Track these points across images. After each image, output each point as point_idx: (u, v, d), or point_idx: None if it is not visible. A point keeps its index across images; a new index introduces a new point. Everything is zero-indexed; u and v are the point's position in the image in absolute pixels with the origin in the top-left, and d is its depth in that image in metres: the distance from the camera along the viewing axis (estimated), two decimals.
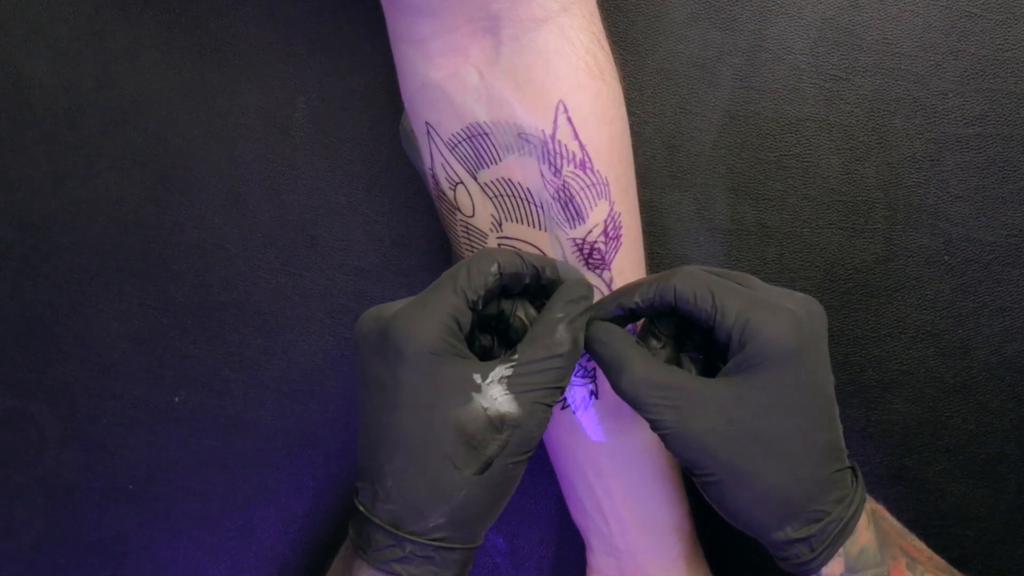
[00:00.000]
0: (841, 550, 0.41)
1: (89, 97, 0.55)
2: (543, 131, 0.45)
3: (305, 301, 0.56)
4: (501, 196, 0.46)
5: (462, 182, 0.47)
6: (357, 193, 0.55)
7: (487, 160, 0.46)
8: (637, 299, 0.43)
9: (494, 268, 0.43)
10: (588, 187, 0.46)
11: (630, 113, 0.49)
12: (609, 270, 0.47)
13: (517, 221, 0.46)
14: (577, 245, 0.46)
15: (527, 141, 0.45)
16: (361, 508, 0.42)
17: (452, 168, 0.47)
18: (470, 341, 0.45)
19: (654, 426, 0.41)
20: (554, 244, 0.46)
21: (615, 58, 0.48)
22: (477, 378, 0.41)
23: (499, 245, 0.47)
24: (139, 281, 0.56)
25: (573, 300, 0.43)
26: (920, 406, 0.55)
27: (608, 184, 0.46)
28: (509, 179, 0.46)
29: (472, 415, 0.41)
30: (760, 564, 0.56)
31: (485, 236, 0.47)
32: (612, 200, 0.46)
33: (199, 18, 0.55)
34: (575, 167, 0.45)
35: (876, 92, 0.53)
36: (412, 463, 0.41)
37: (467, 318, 0.42)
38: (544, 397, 0.41)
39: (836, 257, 0.54)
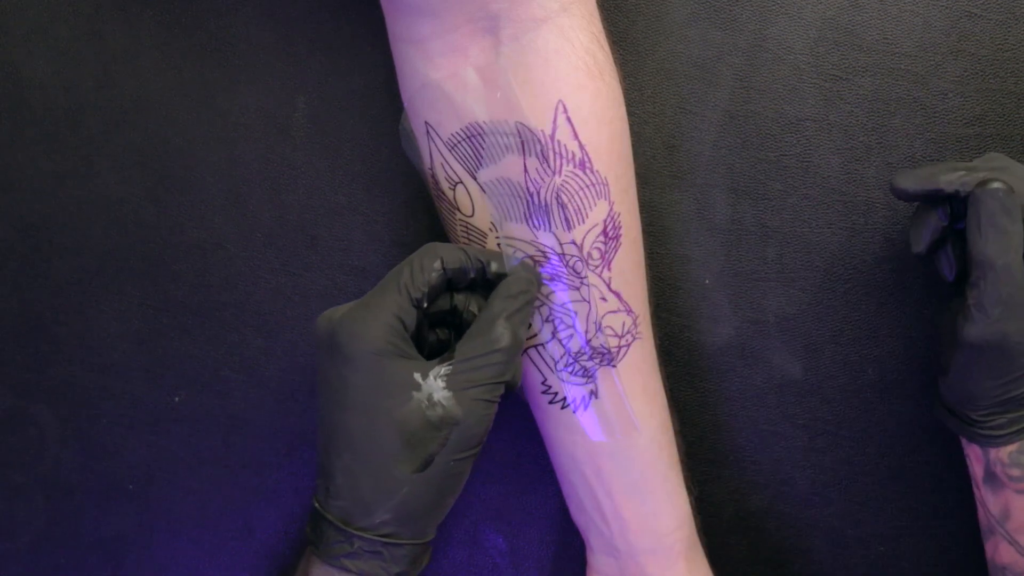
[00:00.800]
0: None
1: (89, 97, 0.55)
2: (543, 131, 0.45)
3: (305, 301, 0.56)
4: (501, 195, 0.46)
5: (462, 182, 0.47)
6: (357, 193, 0.55)
7: (487, 160, 0.46)
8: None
9: (437, 265, 0.44)
10: (588, 187, 0.46)
11: (630, 113, 0.49)
12: (609, 270, 0.47)
13: (517, 220, 0.46)
14: (577, 245, 0.46)
15: (527, 141, 0.45)
16: (316, 505, 0.44)
17: (452, 168, 0.47)
18: (423, 338, 0.46)
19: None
20: (554, 243, 0.46)
21: (615, 58, 0.48)
22: (418, 377, 0.42)
23: (498, 245, 0.47)
24: (139, 281, 0.56)
25: (512, 296, 0.44)
26: (920, 406, 0.55)
27: (608, 184, 0.46)
28: (509, 179, 0.46)
29: (412, 414, 0.42)
30: (761, 564, 0.56)
31: (485, 236, 0.47)
32: (612, 200, 0.46)
33: (199, 18, 0.55)
34: (575, 167, 0.45)
35: (876, 92, 0.53)
36: (358, 461, 0.42)
37: (412, 317, 0.43)
38: (485, 393, 0.43)
39: (836, 257, 0.54)
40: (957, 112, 0.53)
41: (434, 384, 0.42)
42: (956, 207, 0.48)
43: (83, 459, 0.57)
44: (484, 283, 0.46)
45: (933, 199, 0.47)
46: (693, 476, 0.54)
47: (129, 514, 0.57)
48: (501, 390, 0.44)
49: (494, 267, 0.46)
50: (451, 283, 0.45)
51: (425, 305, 0.44)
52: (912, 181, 0.46)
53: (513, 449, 0.56)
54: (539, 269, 0.47)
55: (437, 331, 0.47)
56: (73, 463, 0.57)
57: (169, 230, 0.55)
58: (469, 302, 0.46)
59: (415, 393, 0.42)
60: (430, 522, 0.45)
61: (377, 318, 0.42)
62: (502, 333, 0.43)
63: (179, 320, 0.56)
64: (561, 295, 0.47)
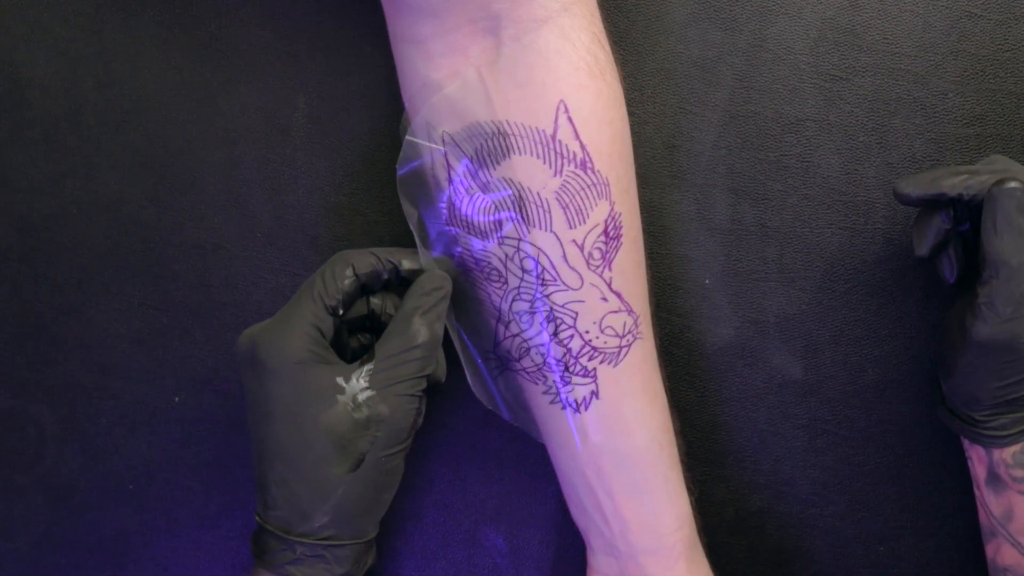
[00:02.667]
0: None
1: (89, 97, 0.55)
2: (544, 131, 0.45)
3: None
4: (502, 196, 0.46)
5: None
6: (357, 193, 0.55)
7: (487, 160, 0.46)
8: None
9: (348, 272, 0.45)
10: (588, 187, 0.46)
11: (630, 113, 0.49)
12: (610, 270, 0.47)
13: (517, 221, 0.46)
14: (578, 245, 0.46)
15: (528, 141, 0.45)
16: (257, 518, 0.45)
17: (452, 168, 0.47)
18: (344, 345, 0.47)
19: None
20: (554, 243, 0.46)
21: (615, 58, 0.48)
22: (340, 380, 0.44)
23: (499, 245, 0.47)
24: (139, 281, 0.56)
25: (426, 292, 0.46)
26: (920, 406, 0.55)
27: (609, 184, 0.46)
28: (510, 179, 0.46)
29: (339, 416, 0.43)
30: (761, 564, 0.56)
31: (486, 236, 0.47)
32: (612, 200, 0.46)
33: (199, 18, 0.55)
34: (576, 167, 0.45)
35: (876, 92, 0.53)
36: (291, 469, 0.44)
37: (328, 324, 0.45)
38: (407, 389, 0.44)
39: (836, 257, 0.54)
40: (957, 112, 0.53)
41: (357, 385, 0.44)
42: (960, 211, 0.48)
43: (83, 459, 0.57)
44: (400, 282, 0.48)
45: (936, 204, 0.47)
46: (693, 476, 0.54)
47: (129, 514, 0.57)
48: (423, 384, 0.46)
49: (405, 264, 0.47)
50: (366, 287, 0.47)
51: (341, 312, 0.45)
52: (915, 186, 0.47)
53: (513, 449, 0.56)
54: (458, 262, 0.48)
55: (359, 336, 0.49)
56: (73, 463, 0.57)
57: (169, 230, 0.55)
58: (386, 304, 0.48)
59: (339, 396, 0.44)
60: (369, 520, 0.46)
61: (294, 329, 0.44)
62: (418, 329, 0.45)
63: (179, 320, 0.56)
64: (562, 295, 0.47)
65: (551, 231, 0.46)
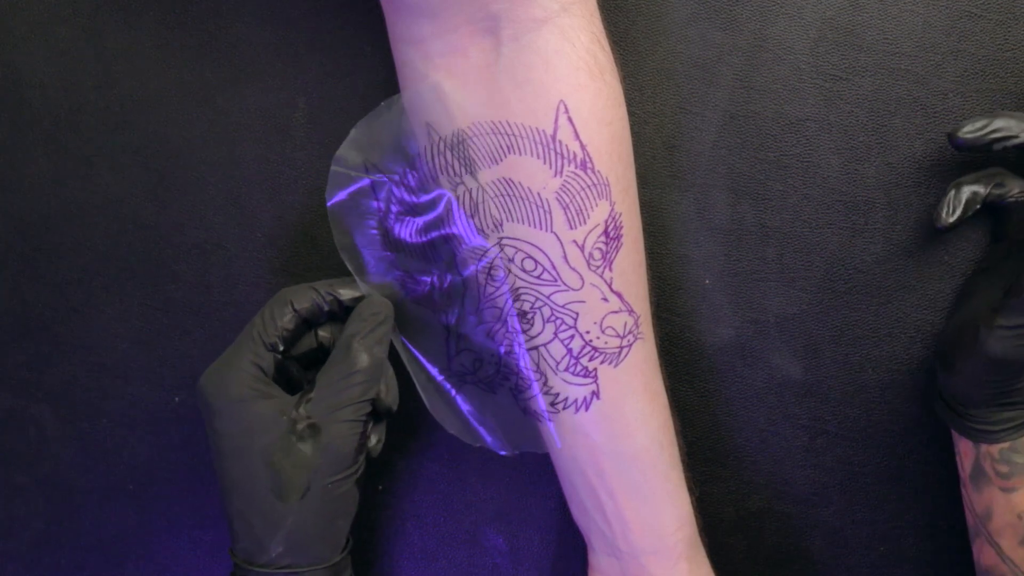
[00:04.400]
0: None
1: (89, 97, 0.55)
2: (544, 131, 0.45)
3: None
4: (502, 196, 0.46)
5: (462, 182, 0.47)
6: None
7: (488, 160, 0.46)
8: None
9: (287, 309, 0.47)
10: (589, 187, 0.46)
11: (630, 113, 0.49)
12: (610, 270, 0.47)
13: (518, 221, 0.46)
14: (578, 245, 0.46)
15: (528, 141, 0.45)
16: (229, 552, 0.47)
17: (452, 168, 0.47)
18: (295, 381, 0.49)
19: None
20: (555, 244, 0.46)
21: (615, 58, 0.48)
22: (282, 412, 0.45)
23: (500, 245, 0.47)
24: (139, 281, 0.56)
25: (364, 318, 0.47)
26: (920, 406, 0.55)
27: (609, 184, 0.46)
28: (510, 179, 0.46)
29: (281, 447, 0.45)
30: (761, 564, 0.56)
31: (487, 237, 0.47)
32: (613, 200, 0.46)
33: (199, 18, 0.55)
34: (576, 167, 0.45)
35: (876, 92, 0.53)
36: (244, 502, 0.46)
37: (268, 361, 0.47)
38: (350, 414, 0.46)
39: (836, 257, 0.54)
40: (957, 112, 0.53)
41: (299, 415, 0.45)
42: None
43: (83, 459, 0.57)
44: (346, 313, 0.49)
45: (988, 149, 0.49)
46: (693, 476, 0.54)
47: (129, 514, 0.57)
48: (367, 408, 0.47)
49: (345, 294, 0.48)
50: (309, 322, 0.48)
51: (282, 348, 0.47)
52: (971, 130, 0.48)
53: None
54: (399, 286, 0.50)
55: (308, 373, 0.50)
56: (73, 463, 0.57)
57: (169, 230, 0.55)
58: (334, 335, 0.49)
59: (282, 428, 0.45)
60: (326, 546, 0.47)
61: (235, 369, 0.46)
62: (358, 354, 0.46)
63: (179, 320, 0.56)
64: (562, 295, 0.47)
65: (551, 231, 0.46)
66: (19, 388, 0.56)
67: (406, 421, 0.55)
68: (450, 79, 0.46)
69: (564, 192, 0.45)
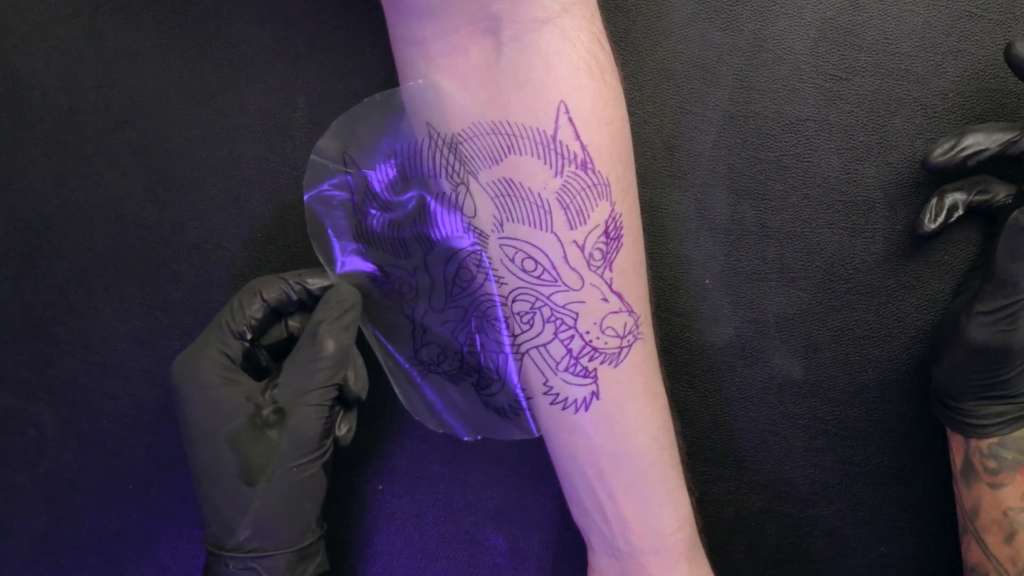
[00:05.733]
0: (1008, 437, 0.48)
1: (89, 97, 0.55)
2: (544, 131, 0.45)
3: None
4: (502, 196, 0.46)
5: (463, 182, 0.47)
6: None
7: (488, 160, 0.46)
8: None
9: (256, 299, 0.48)
10: (589, 187, 0.46)
11: (630, 113, 0.49)
12: (610, 270, 0.47)
13: (518, 221, 0.46)
14: (578, 245, 0.46)
15: (528, 141, 0.45)
16: (201, 540, 0.48)
17: (453, 168, 0.47)
18: (265, 371, 0.50)
19: None
20: (555, 244, 0.46)
21: (615, 58, 0.48)
22: (249, 398, 0.46)
23: (500, 246, 0.47)
24: (139, 281, 0.56)
25: (331, 306, 0.47)
26: (920, 406, 0.55)
27: (609, 184, 0.46)
28: (510, 179, 0.46)
29: (246, 432, 0.46)
30: (761, 564, 0.56)
31: (486, 237, 0.47)
32: (613, 200, 0.46)
33: (199, 18, 0.55)
34: (576, 167, 0.45)
35: (876, 92, 0.53)
36: (212, 488, 0.46)
37: (236, 349, 0.47)
38: (316, 398, 0.46)
39: (836, 257, 0.54)
40: (957, 112, 0.53)
41: (265, 400, 0.46)
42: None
43: (83, 459, 0.57)
44: (314, 302, 0.49)
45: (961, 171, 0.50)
46: (693, 476, 0.54)
47: (129, 514, 0.57)
48: (333, 393, 0.47)
49: (314, 284, 0.49)
50: (279, 312, 0.49)
51: (250, 337, 0.48)
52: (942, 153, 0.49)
53: (514, 449, 0.56)
54: (371, 278, 0.50)
55: (278, 362, 0.50)
56: (73, 463, 0.57)
57: (169, 230, 0.55)
58: (304, 324, 0.50)
59: (248, 413, 0.46)
60: (293, 529, 0.47)
61: (203, 356, 0.47)
62: (323, 340, 0.47)
63: (179, 320, 0.56)
64: (562, 296, 0.47)
65: (552, 232, 0.46)
66: (19, 388, 0.56)
67: (406, 421, 0.55)
68: (451, 79, 0.46)
69: (564, 192, 0.45)
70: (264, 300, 0.48)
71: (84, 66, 0.55)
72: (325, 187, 0.49)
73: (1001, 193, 0.50)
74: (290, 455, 0.46)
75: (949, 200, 0.51)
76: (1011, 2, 0.53)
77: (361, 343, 0.50)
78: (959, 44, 0.53)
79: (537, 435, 0.51)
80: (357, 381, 0.49)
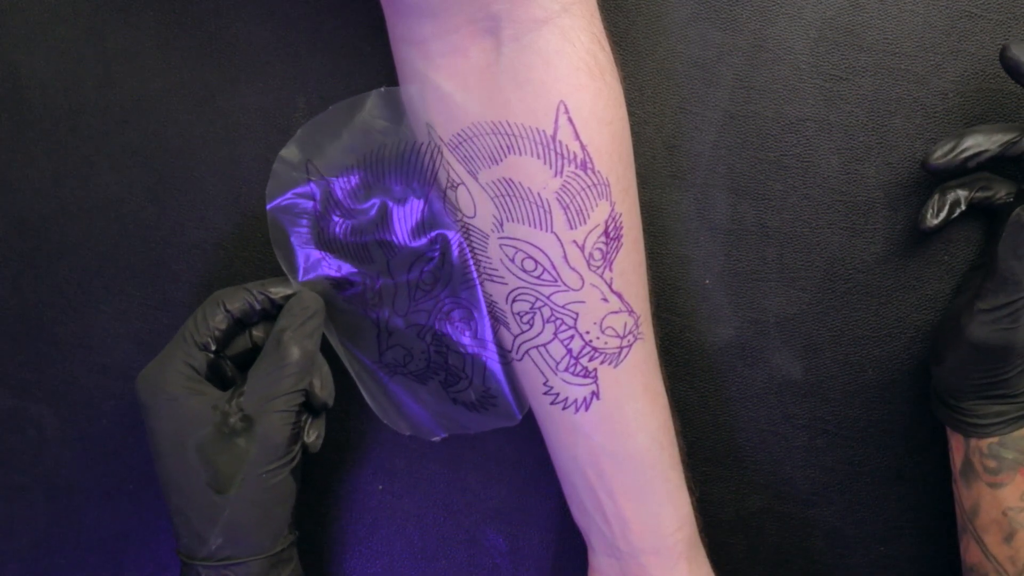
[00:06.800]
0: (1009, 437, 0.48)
1: (89, 97, 0.55)
2: (544, 131, 0.45)
3: None
4: (502, 196, 0.46)
5: (463, 183, 0.47)
6: None
7: (488, 160, 0.46)
8: None
9: (219, 310, 0.48)
10: (589, 187, 0.46)
11: (630, 113, 0.49)
12: (610, 270, 0.47)
13: (518, 221, 0.46)
14: (578, 245, 0.46)
15: (528, 142, 0.45)
16: (176, 551, 0.48)
17: (453, 168, 0.47)
18: (231, 381, 0.50)
19: None
20: (555, 244, 0.46)
21: (615, 58, 0.48)
22: (215, 406, 0.46)
23: (500, 246, 0.47)
24: (139, 281, 0.56)
25: (294, 314, 0.48)
26: (920, 406, 0.55)
27: (609, 184, 0.46)
28: (510, 179, 0.46)
29: (213, 440, 0.46)
30: (761, 564, 0.56)
31: (486, 237, 0.47)
32: (613, 200, 0.46)
33: (199, 18, 0.55)
34: (576, 167, 0.45)
35: (876, 92, 0.53)
36: (182, 498, 0.47)
37: (201, 360, 0.48)
38: (282, 404, 0.47)
39: (836, 257, 0.54)
40: (957, 112, 0.53)
41: (231, 408, 0.46)
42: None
43: (83, 459, 0.57)
44: (278, 311, 0.50)
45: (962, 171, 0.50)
46: (693, 476, 0.54)
47: (129, 514, 0.57)
48: (299, 399, 0.48)
49: (275, 292, 0.49)
50: (243, 322, 0.49)
51: (214, 347, 0.48)
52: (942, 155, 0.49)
53: (514, 449, 0.56)
54: (334, 284, 0.51)
55: (243, 373, 0.50)
56: (73, 463, 0.57)
57: (169, 230, 0.55)
58: (268, 334, 0.50)
59: (214, 422, 0.46)
60: (265, 536, 0.48)
61: (168, 368, 0.47)
62: (288, 347, 0.47)
63: (179, 320, 0.56)
64: (562, 296, 0.47)
65: (551, 232, 0.46)
66: (19, 388, 0.56)
67: None
68: (450, 79, 0.46)
69: (564, 192, 0.45)
70: (227, 311, 0.48)
71: (84, 66, 0.55)
72: (289, 195, 0.50)
73: (1002, 191, 0.50)
74: (259, 461, 0.46)
75: (951, 196, 0.51)
76: (1011, 2, 0.53)
77: (328, 353, 0.51)
78: (959, 44, 0.53)
79: (520, 417, 0.51)
80: (323, 388, 0.49)
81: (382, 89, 0.49)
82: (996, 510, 0.48)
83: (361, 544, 0.57)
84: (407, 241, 0.50)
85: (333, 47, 0.55)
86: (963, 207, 0.51)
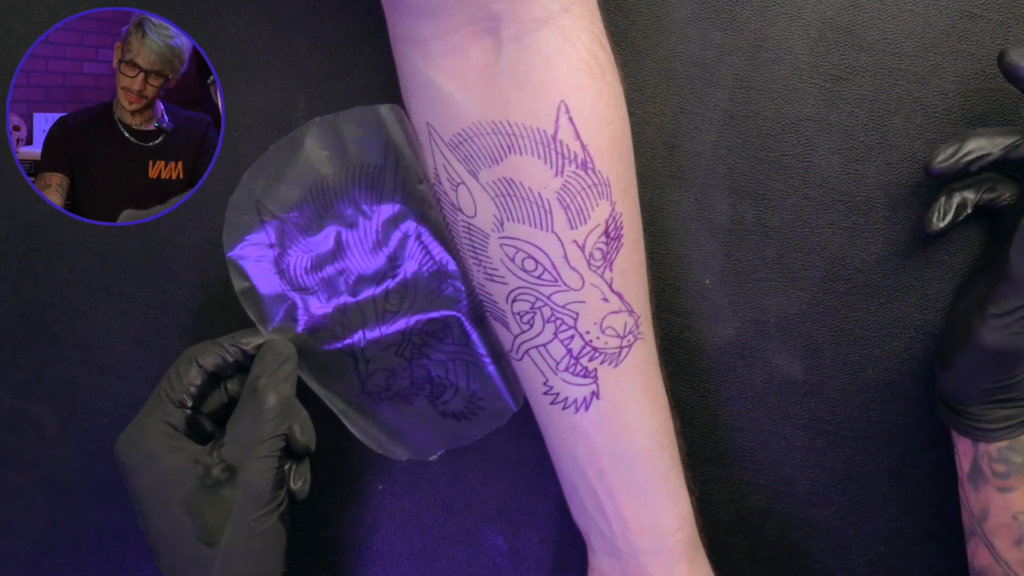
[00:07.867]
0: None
1: None
2: (544, 131, 0.45)
3: None
4: (503, 196, 0.46)
5: (463, 182, 0.47)
6: None
7: (488, 160, 0.46)
8: None
9: (193, 367, 0.48)
10: (589, 187, 0.46)
11: (630, 113, 0.49)
12: (611, 270, 0.47)
13: (519, 221, 0.46)
14: (579, 245, 0.46)
15: (529, 141, 0.45)
16: None
17: (453, 168, 0.47)
18: (209, 437, 0.50)
19: None
20: (555, 244, 0.46)
21: (615, 58, 0.48)
22: (197, 460, 0.47)
23: (500, 245, 0.47)
24: (139, 281, 0.56)
25: (268, 360, 0.48)
26: (920, 406, 0.55)
27: (609, 184, 0.46)
28: (511, 179, 0.46)
29: (197, 494, 0.46)
30: (761, 564, 0.56)
31: (487, 237, 0.47)
32: (613, 200, 0.46)
33: (199, 18, 0.55)
34: (576, 167, 0.45)
35: (876, 92, 0.53)
36: (171, 555, 0.47)
37: (178, 417, 0.48)
38: (264, 450, 0.47)
39: (836, 257, 0.54)
40: (957, 112, 0.53)
41: (213, 460, 0.47)
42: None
43: (83, 459, 0.57)
44: (251, 362, 0.50)
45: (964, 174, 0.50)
46: (693, 476, 0.54)
47: (129, 514, 0.57)
48: (280, 444, 0.48)
49: (245, 342, 0.50)
50: (218, 376, 0.50)
51: (191, 404, 0.48)
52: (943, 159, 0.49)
53: (514, 450, 0.56)
54: (303, 326, 0.51)
55: (221, 428, 0.50)
56: (73, 463, 0.57)
57: (169, 230, 0.55)
58: (243, 384, 0.50)
59: (198, 475, 0.46)
60: None
61: (146, 428, 0.47)
62: (264, 394, 0.47)
63: (179, 320, 0.56)
64: (563, 296, 0.47)
65: (552, 231, 0.46)
66: (19, 388, 0.56)
67: None
68: (451, 79, 0.46)
69: (565, 192, 0.45)
70: (200, 366, 0.49)
71: None
72: (246, 241, 0.51)
73: (1007, 192, 0.50)
74: (246, 509, 0.46)
75: (957, 199, 0.50)
76: (1011, 2, 0.53)
77: (308, 399, 0.51)
78: (959, 44, 0.53)
79: (516, 408, 0.52)
80: (304, 432, 0.49)
81: (316, 119, 0.49)
82: (1006, 514, 0.48)
83: (361, 544, 0.57)
84: (366, 264, 0.51)
85: (333, 47, 0.55)
86: (969, 210, 0.50)
